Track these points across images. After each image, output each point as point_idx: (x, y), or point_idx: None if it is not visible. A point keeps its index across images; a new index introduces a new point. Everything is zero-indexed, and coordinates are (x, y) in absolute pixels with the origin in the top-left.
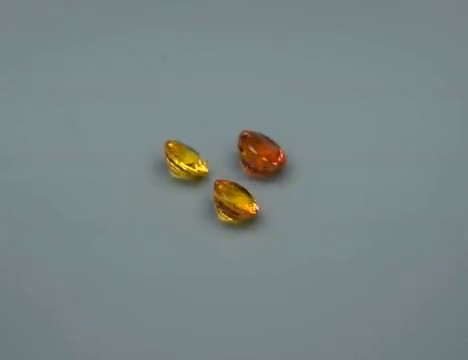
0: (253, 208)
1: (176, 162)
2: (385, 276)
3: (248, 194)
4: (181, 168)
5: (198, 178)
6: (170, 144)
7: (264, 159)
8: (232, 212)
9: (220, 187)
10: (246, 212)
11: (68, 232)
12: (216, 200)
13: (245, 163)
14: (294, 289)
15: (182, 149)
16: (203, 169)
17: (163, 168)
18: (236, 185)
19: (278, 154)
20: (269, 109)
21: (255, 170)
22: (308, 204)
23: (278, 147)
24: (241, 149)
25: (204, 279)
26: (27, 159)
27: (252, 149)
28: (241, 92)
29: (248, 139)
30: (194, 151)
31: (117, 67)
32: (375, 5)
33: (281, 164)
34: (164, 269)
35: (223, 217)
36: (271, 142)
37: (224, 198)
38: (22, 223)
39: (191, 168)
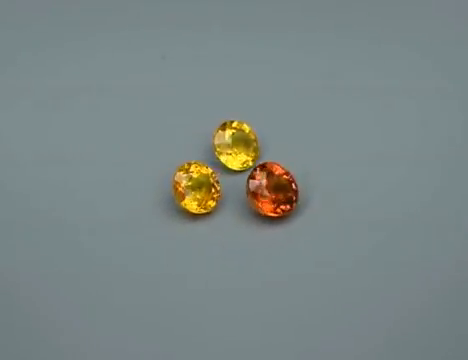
0: (206, 207)
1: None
2: (384, 276)
3: (212, 190)
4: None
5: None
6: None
7: (272, 206)
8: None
9: (186, 169)
10: (191, 212)
11: (61, 231)
12: (175, 183)
13: (249, 193)
14: (291, 288)
15: (241, 142)
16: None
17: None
18: (204, 172)
19: (290, 203)
20: (268, 108)
21: (257, 209)
22: (305, 202)
23: (294, 191)
24: (252, 177)
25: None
26: (27, 158)
27: (261, 198)
28: (242, 91)
29: (261, 175)
30: (252, 145)
31: (117, 66)
32: (375, 5)
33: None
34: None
35: (179, 200)
36: (286, 184)
37: (185, 183)
38: (17, 222)
39: (229, 165)
